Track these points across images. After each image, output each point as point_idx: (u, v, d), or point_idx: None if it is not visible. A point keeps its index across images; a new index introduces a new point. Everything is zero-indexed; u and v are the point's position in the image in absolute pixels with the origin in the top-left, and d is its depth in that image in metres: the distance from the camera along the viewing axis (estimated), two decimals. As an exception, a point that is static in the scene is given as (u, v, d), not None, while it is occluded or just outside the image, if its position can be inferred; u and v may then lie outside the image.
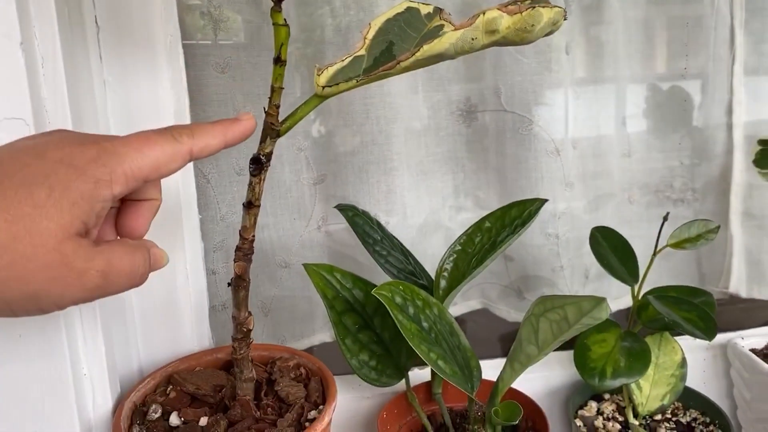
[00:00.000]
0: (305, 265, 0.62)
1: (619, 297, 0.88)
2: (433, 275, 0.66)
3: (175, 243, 0.66)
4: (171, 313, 0.66)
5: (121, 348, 0.62)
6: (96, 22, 0.59)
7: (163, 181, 0.64)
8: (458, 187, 0.84)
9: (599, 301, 0.47)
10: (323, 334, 0.84)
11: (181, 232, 0.66)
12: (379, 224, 0.67)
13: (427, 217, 0.83)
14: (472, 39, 0.45)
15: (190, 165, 0.66)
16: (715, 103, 0.84)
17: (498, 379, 0.59)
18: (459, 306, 0.89)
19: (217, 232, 0.75)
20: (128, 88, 0.61)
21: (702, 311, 0.62)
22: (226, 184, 0.75)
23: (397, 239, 0.68)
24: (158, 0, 0.60)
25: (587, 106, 0.82)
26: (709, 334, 0.60)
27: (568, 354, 0.76)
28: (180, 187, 0.65)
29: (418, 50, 0.45)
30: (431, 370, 0.67)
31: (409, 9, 0.52)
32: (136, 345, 0.66)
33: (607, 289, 0.86)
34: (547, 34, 0.47)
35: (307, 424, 0.54)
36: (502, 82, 0.78)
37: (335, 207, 0.68)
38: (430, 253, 0.83)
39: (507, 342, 0.95)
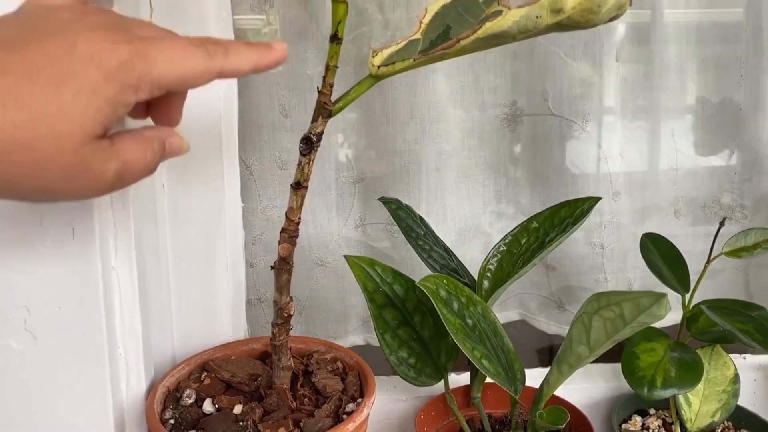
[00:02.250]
0: (346, 257, 0.61)
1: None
2: (474, 275, 0.65)
3: (216, 231, 0.65)
4: (208, 303, 0.65)
5: (156, 334, 0.61)
6: (150, 4, 0.59)
7: (206, 168, 0.64)
8: (500, 192, 0.82)
9: (659, 296, 0.45)
10: (356, 336, 0.83)
11: (224, 221, 0.65)
12: (422, 219, 0.65)
13: (467, 222, 0.81)
14: (537, 17, 0.43)
15: (235, 155, 0.66)
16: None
17: (543, 383, 0.56)
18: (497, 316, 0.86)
19: (257, 225, 0.75)
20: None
21: (758, 323, 0.59)
22: (268, 178, 0.74)
23: (439, 237, 0.67)
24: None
25: (636, 115, 0.80)
26: (767, 346, 0.57)
27: (611, 366, 0.73)
28: (225, 174, 0.64)
29: (480, 28, 0.44)
30: (470, 373, 0.65)
31: (467, -6, 0.52)
32: (171, 333, 0.64)
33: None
34: (611, 19, 0.46)
35: (344, 416, 0.52)
36: (550, 85, 0.77)
37: (378, 199, 0.67)
38: (469, 258, 0.81)
39: (546, 355, 0.92)
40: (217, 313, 0.66)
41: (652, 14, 0.78)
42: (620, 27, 0.77)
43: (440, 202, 0.79)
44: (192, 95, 0.58)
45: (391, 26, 0.75)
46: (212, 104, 0.62)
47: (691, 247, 0.84)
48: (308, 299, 0.79)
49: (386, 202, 0.65)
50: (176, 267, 0.65)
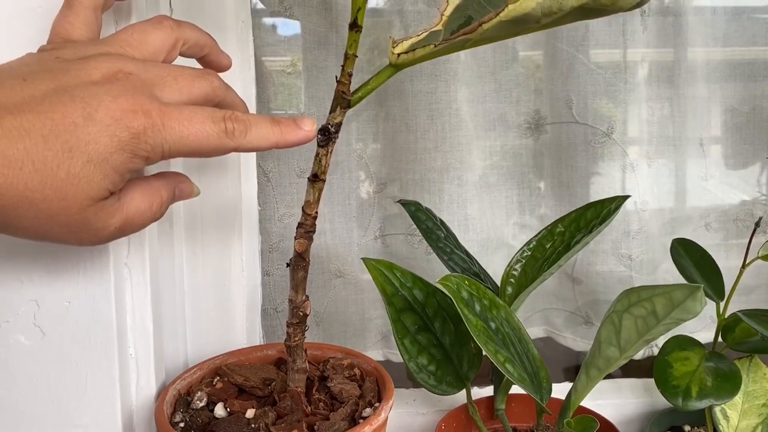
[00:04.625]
0: (365, 260, 0.59)
1: (694, 331, 0.81)
2: (498, 282, 0.62)
3: (232, 237, 0.63)
4: (223, 309, 0.64)
5: (169, 339, 0.60)
6: (170, 5, 0.59)
7: (222, 173, 0.63)
8: (523, 203, 0.80)
9: (693, 289, 0.42)
10: (375, 351, 0.80)
11: (239, 227, 0.64)
12: (442, 222, 0.63)
13: (489, 233, 0.79)
14: (561, -1, 0.42)
15: (253, 161, 0.65)
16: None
17: (570, 390, 0.53)
18: (519, 334, 0.84)
19: (274, 233, 0.73)
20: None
21: (800, 331, 0.56)
22: (286, 185, 0.73)
23: (460, 242, 0.65)
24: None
25: (663, 123, 0.78)
26: (809, 354, 0.54)
27: (643, 382, 0.70)
28: (242, 180, 0.63)
29: (503, 10, 0.43)
30: (494, 385, 0.62)
31: (488, -15, 0.50)
32: (185, 338, 0.63)
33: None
34: (638, 4, 0.45)
35: (361, 420, 0.50)
36: (574, 93, 0.75)
37: (397, 201, 0.65)
38: (491, 270, 0.78)
39: (572, 373, 0.89)
40: (231, 320, 0.64)
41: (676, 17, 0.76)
42: (647, 36, 0.76)
43: (462, 212, 0.77)
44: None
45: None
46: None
47: (724, 263, 0.81)
48: (326, 311, 0.77)
49: (405, 204, 0.64)
50: (191, 271, 0.63)
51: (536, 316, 0.83)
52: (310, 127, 0.41)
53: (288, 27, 0.75)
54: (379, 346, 0.80)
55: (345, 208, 0.77)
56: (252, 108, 0.63)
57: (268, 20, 0.74)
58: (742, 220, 0.82)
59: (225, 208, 0.63)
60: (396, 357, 0.79)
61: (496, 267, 0.78)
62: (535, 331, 0.83)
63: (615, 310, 0.48)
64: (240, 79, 0.61)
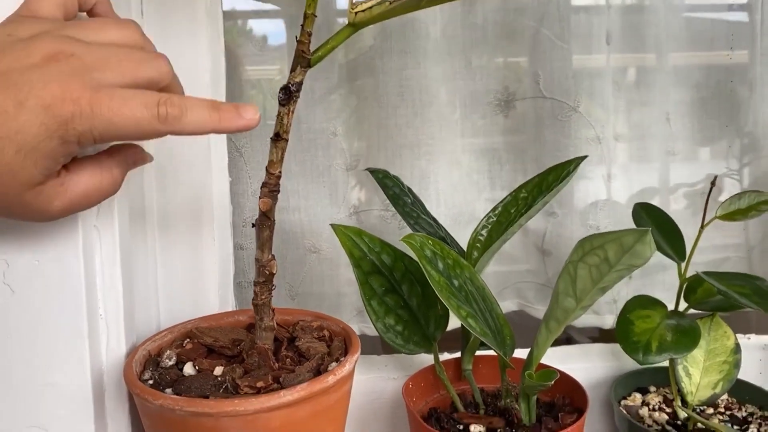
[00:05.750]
0: (333, 226, 0.60)
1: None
2: (465, 248, 0.64)
3: (203, 210, 0.64)
4: (195, 278, 0.65)
5: (141, 304, 0.61)
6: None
7: (193, 143, 0.64)
8: (494, 179, 0.82)
9: (642, 233, 0.44)
10: (351, 326, 0.81)
11: (210, 198, 0.65)
12: (410, 189, 0.65)
13: (462, 208, 0.80)
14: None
15: (223, 135, 0.66)
16: (764, 100, 0.81)
17: (532, 346, 0.55)
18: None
19: (247, 207, 0.74)
20: (167, 46, 0.62)
21: (756, 287, 0.58)
22: (259, 159, 0.75)
23: (427, 209, 0.66)
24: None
25: (629, 97, 0.79)
26: (766, 307, 0.55)
27: (610, 347, 0.71)
28: (212, 153, 0.65)
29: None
30: (462, 347, 0.63)
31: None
32: (157, 305, 0.64)
33: (650, 288, 0.81)
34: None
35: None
36: (540, 68, 0.77)
37: (365, 170, 0.66)
38: (463, 244, 0.80)
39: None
40: (204, 289, 0.65)
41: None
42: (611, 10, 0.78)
43: (434, 187, 0.79)
44: (178, 69, 0.59)
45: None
46: (199, 76, 0.62)
47: (692, 233, 0.82)
48: (301, 285, 0.79)
49: (373, 172, 0.65)
50: (163, 244, 0.64)
51: (508, 290, 0.84)
52: (252, 116, 0.41)
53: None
54: (354, 321, 0.81)
55: (319, 185, 0.78)
56: (221, 80, 0.65)
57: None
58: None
59: (195, 178, 0.64)
60: (371, 330, 0.80)
61: (467, 241, 0.80)
62: (507, 305, 0.85)
63: (571, 261, 0.49)
64: (210, 54, 0.63)
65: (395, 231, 0.79)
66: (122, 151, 0.43)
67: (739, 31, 0.80)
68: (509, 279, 0.84)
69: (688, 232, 0.75)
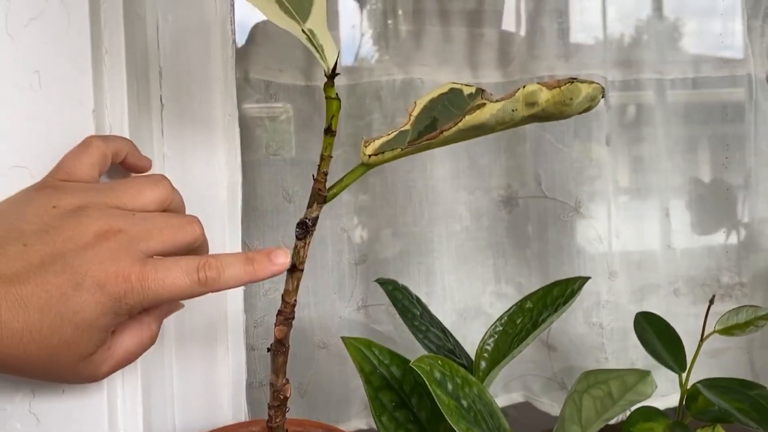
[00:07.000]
0: (344, 338, 0.62)
1: (667, 394, 0.84)
2: (472, 356, 0.65)
3: (219, 314, 0.67)
4: (210, 385, 0.66)
5: (158, 414, 0.62)
6: (161, 100, 0.64)
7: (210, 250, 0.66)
8: (499, 273, 0.84)
9: (644, 374, 0.46)
10: (359, 420, 0.82)
11: (224, 304, 0.67)
12: (418, 300, 0.67)
13: (468, 303, 0.83)
14: (513, 110, 0.47)
15: (238, 238, 0.68)
16: (759, 196, 0.84)
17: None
18: (500, 398, 0.86)
19: (259, 308, 0.76)
20: (185, 163, 0.65)
21: (755, 401, 0.59)
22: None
23: (436, 318, 0.68)
24: (218, 82, 0.65)
25: (629, 196, 0.82)
26: (764, 425, 0.57)
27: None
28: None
29: (461, 120, 0.47)
30: (470, 456, 0.64)
31: (452, 89, 0.55)
32: (173, 415, 0.65)
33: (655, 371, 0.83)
34: (585, 110, 0.49)
35: (339, 499, 0.52)
36: (542, 169, 0.80)
37: (375, 281, 0.68)
38: (470, 339, 0.82)
39: (550, 437, 0.91)
40: (217, 396, 0.67)
41: (637, 96, 0.81)
42: (610, 114, 0.81)
43: (440, 283, 0.81)
44: (196, 185, 0.61)
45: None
46: (216, 192, 0.65)
47: (693, 327, 0.84)
48: (310, 383, 0.80)
49: (383, 283, 0.67)
50: (179, 348, 0.66)
51: (515, 382, 0.86)
52: (283, 260, 0.45)
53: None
54: (363, 415, 0.82)
55: (328, 280, 0.80)
56: (237, 195, 0.67)
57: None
58: (708, 285, 0.86)
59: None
60: (379, 426, 0.81)
61: (474, 336, 0.82)
62: (514, 397, 0.86)
63: (576, 390, 0.51)
64: (228, 169, 0.65)
65: (404, 326, 0.81)
66: (159, 306, 0.45)
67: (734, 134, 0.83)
68: (516, 370, 0.85)
69: (689, 325, 0.77)
